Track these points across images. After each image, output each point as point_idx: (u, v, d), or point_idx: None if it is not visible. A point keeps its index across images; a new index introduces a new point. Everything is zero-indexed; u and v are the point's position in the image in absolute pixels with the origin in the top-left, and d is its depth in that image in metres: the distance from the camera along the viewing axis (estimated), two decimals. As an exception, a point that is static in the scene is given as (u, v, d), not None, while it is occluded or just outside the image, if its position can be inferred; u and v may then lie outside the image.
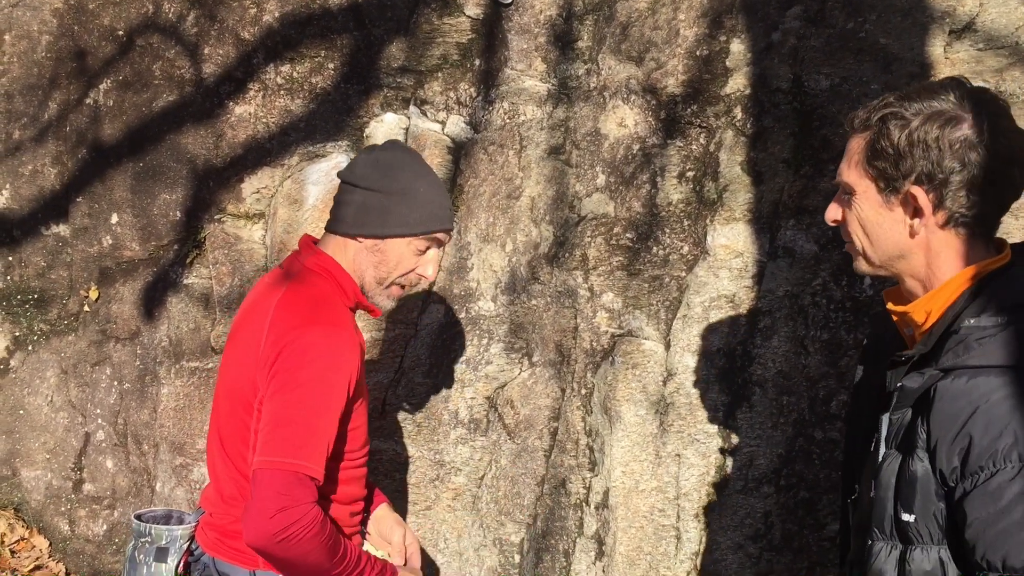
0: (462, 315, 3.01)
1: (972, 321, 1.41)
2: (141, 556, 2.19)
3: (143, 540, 2.20)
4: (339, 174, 2.14)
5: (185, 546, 2.20)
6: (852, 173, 1.53)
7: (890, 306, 1.59)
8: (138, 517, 2.24)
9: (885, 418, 1.49)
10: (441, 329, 3.02)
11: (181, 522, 2.26)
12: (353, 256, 2.09)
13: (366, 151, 2.16)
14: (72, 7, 3.57)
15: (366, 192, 2.06)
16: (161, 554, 2.18)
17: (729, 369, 2.59)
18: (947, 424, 1.37)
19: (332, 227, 2.12)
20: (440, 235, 2.11)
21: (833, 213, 1.60)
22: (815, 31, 2.51)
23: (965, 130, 1.42)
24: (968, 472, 1.35)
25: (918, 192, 1.46)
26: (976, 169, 1.42)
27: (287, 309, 2.01)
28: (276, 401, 1.94)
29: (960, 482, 1.36)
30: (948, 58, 2.38)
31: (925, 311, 1.51)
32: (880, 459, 1.49)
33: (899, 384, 1.45)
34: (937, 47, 2.38)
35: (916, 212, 1.48)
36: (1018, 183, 1.47)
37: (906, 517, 1.42)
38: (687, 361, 2.65)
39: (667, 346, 2.68)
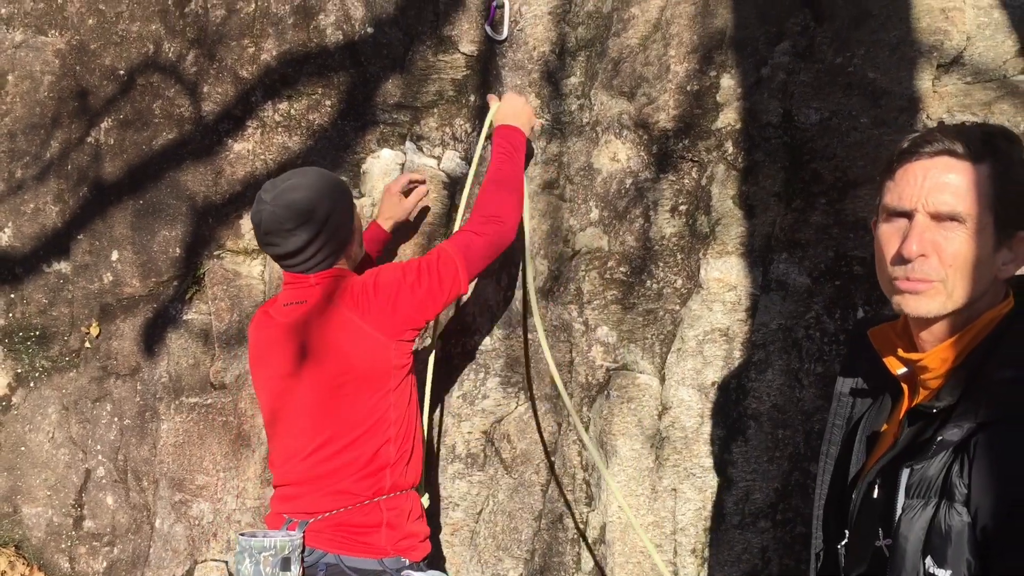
0: (458, 349, 3.01)
1: (1008, 372, 1.36)
2: (267, 569, 2.34)
3: (266, 553, 2.35)
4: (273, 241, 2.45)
5: (299, 553, 2.38)
6: (970, 204, 1.40)
7: (900, 353, 1.54)
8: (242, 535, 2.41)
9: (906, 470, 1.44)
10: (437, 363, 3.02)
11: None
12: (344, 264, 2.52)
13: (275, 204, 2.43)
14: (74, 47, 3.62)
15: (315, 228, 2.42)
16: (285, 564, 2.35)
17: (724, 403, 2.59)
18: (993, 479, 1.30)
19: (309, 269, 2.49)
20: None
21: (922, 247, 1.43)
22: (804, 66, 2.52)
23: None
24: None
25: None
26: None
27: (353, 287, 2.41)
28: (421, 264, 2.44)
29: (1013, 537, 1.29)
30: (936, 92, 2.39)
31: (941, 359, 1.46)
32: (900, 509, 1.44)
33: (939, 438, 1.37)
34: (926, 81, 2.39)
35: (1014, 259, 1.44)
36: None
37: (939, 572, 1.36)
38: (682, 395, 2.64)
39: (662, 380, 2.68)
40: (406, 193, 2.96)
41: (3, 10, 3.75)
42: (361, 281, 2.44)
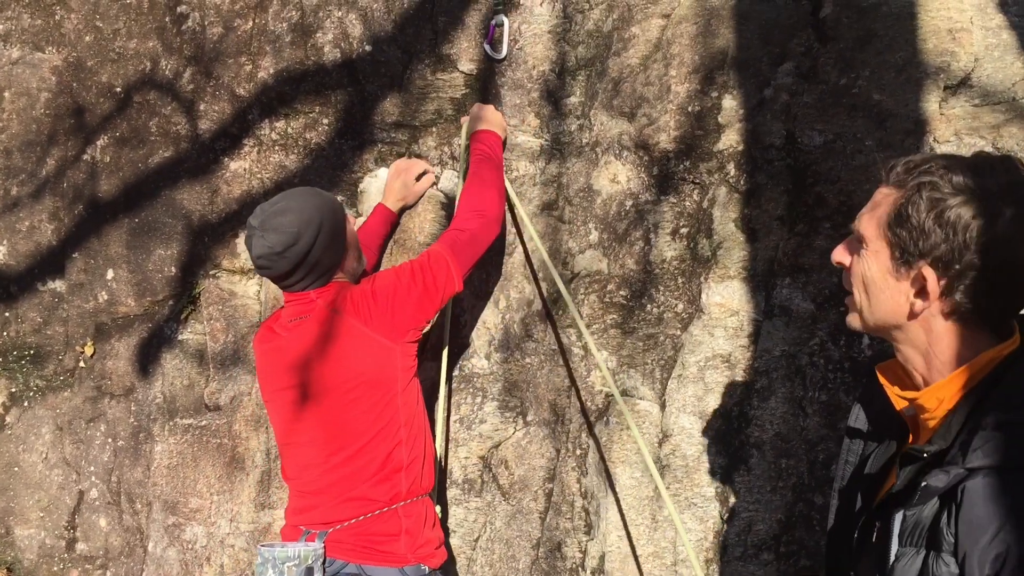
0: (455, 372, 2.96)
1: (1001, 417, 1.30)
2: None
3: (290, 564, 2.38)
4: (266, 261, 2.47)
5: (322, 563, 2.43)
6: (871, 227, 1.44)
7: (896, 391, 1.49)
8: (263, 546, 2.45)
9: (899, 514, 1.39)
10: (435, 386, 2.97)
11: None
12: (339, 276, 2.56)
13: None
14: (71, 64, 3.59)
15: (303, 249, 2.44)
16: (309, 573, 2.40)
17: (726, 431, 2.53)
18: (980, 529, 1.26)
19: (306, 287, 2.51)
20: None
21: (840, 255, 1.51)
22: (808, 87, 2.47)
23: (1000, 226, 1.31)
24: None
25: (929, 275, 1.37)
26: (998, 268, 1.33)
27: (354, 296, 2.46)
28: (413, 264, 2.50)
29: None
30: (944, 114, 2.33)
31: (937, 399, 1.41)
32: (893, 556, 1.39)
33: (923, 484, 1.33)
34: (932, 103, 2.34)
35: (921, 293, 1.39)
36: None
37: None
38: (683, 422, 2.58)
39: (662, 407, 2.62)
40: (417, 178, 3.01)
41: (0, 26, 3.73)
42: (360, 289, 2.50)
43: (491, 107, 2.85)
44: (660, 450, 2.61)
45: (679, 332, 2.61)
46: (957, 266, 1.34)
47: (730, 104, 2.56)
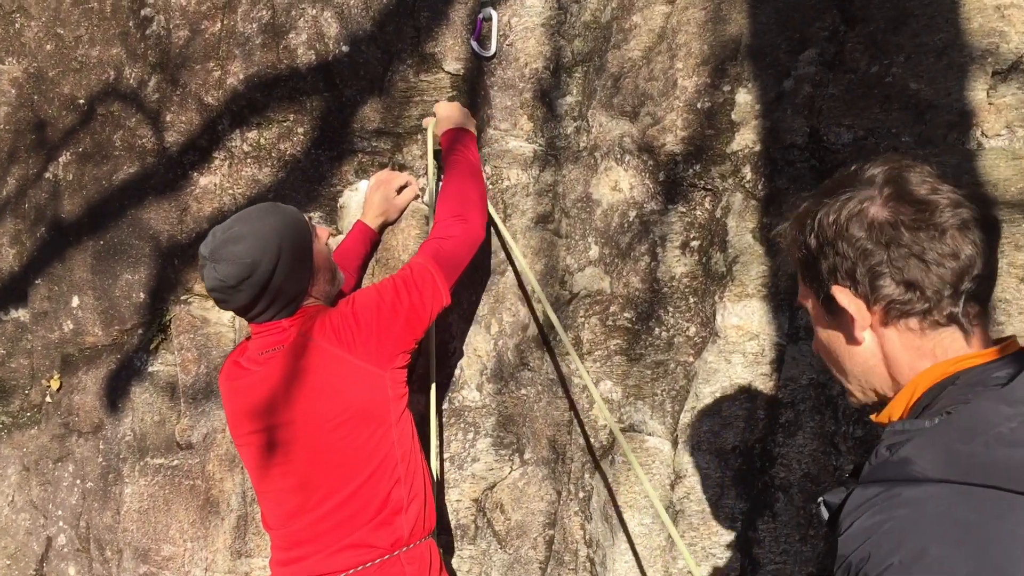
0: (445, 406, 2.66)
1: (900, 424, 1.17)
2: None
3: None
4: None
5: None
6: (801, 292, 1.36)
7: (872, 418, 1.33)
8: None
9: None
10: (423, 421, 2.67)
11: None
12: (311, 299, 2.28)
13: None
14: (32, 75, 3.33)
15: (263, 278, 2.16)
16: None
17: (747, 471, 2.21)
18: (847, 544, 1.12)
19: (272, 317, 2.23)
20: None
21: (815, 342, 1.40)
22: (833, 77, 2.16)
23: (874, 209, 1.20)
24: None
25: (839, 292, 1.23)
26: (895, 247, 1.19)
27: (332, 320, 2.19)
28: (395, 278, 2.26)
29: None
30: (992, 104, 2.01)
31: (888, 415, 1.26)
32: None
33: (819, 499, 1.25)
34: (979, 91, 2.02)
35: (851, 315, 1.25)
36: (952, 250, 1.19)
37: None
38: (698, 461, 2.27)
39: (674, 443, 2.31)
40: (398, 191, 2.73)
41: (-41, 37, 3.48)
42: (339, 313, 2.22)
43: (457, 104, 2.59)
44: (673, 493, 2.30)
45: (692, 359, 2.29)
46: (859, 267, 1.22)
47: (745, 99, 2.25)
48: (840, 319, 1.28)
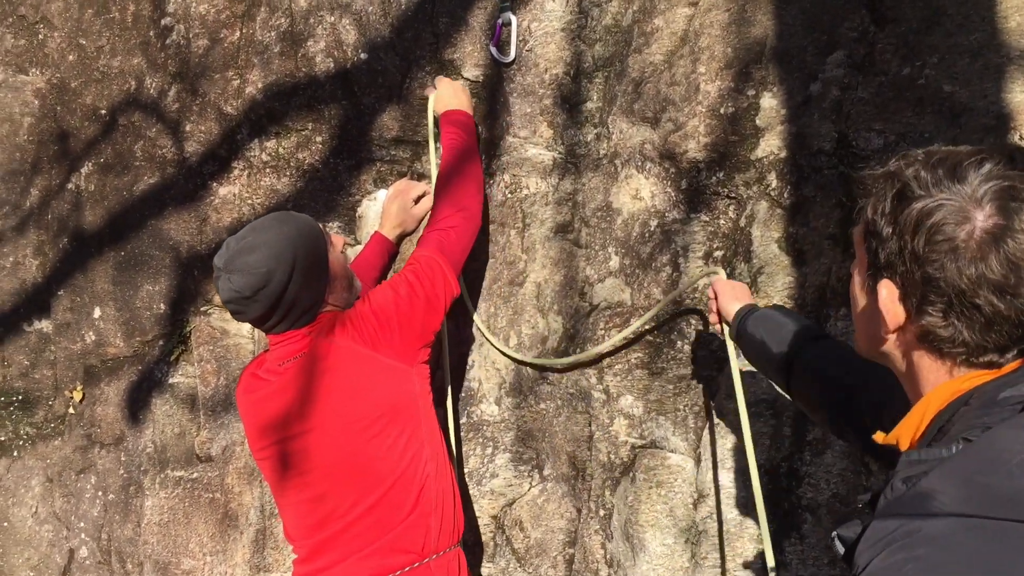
0: (463, 420, 2.60)
1: (915, 454, 1.06)
2: None
3: None
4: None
5: None
6: (857, 234, 1.21)
7: (878, 439, 1.22)
8: None
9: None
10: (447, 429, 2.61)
11: None
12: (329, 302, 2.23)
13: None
14: (55, 86, 3.33)
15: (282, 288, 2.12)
16: None
17: (773, 490, 2.12)
18: None
19: (290, 327, 2.19)
20: None
21: (851, 285, 1.28)
22: (863, 80, 2.07)
23: (962, 234, 1.05)
24: None
25: (885, 288, 1.13)
26: (964, 297, 1.06)
27: (353, 321, 2.17)
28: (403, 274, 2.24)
29: None
30: (1031, 106, 1.91)
31: (896, 437, 1.17)
32: None
33: (833, 534, 1.14)
34: (1017, 93, 1.92)
35: (875, 314, 1.16)
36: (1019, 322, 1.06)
37: None
38: (722, 480, 2.18)
39: (697, 461, 2.22)
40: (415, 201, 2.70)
41: (-16, 49, 3.50)
42: (356, 312, 2.19)
43: (458, 83, 2.59)
44: (696, 513, 2.21)
45: (715, 373, 2.21)
46: (914, 281, 1.09)
47: (770, 103, 2.16)
48: (871, 297, 1.19)
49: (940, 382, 1.13)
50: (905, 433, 1.15)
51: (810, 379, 1.69)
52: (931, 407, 1.12)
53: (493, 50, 2.61)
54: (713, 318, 2.03)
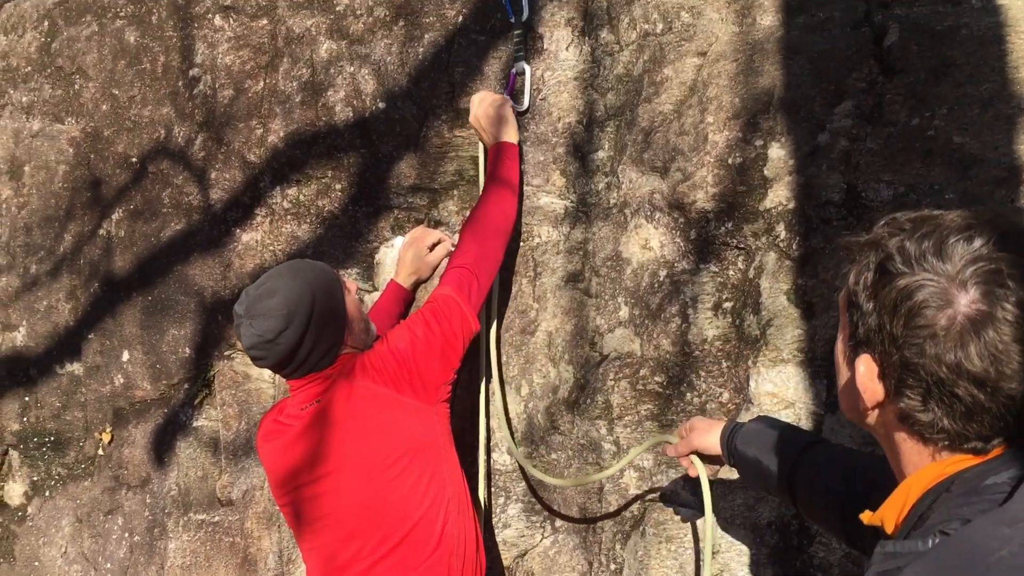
0: (474, 469, 2.58)
1: (891, 545, 1.03)
2: None
3: None
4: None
5: None
6: (841, 299, 1.18)
7: (864, 519, 1.16)
8: None
9: None
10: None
11: None
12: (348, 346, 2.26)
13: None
14: (89, 135, 3.42)
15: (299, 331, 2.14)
16: None
17: (783, 548, 2.07)
18: None
19: (311, 370, 2.21)
20: None
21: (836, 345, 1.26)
22: (871, 130, 2.04)
23: (943, 320, 1.01)
24: None
25: (864, 364, 1.09)
26: (940, 377, 1.02)
27: (373, 362, 2.19)
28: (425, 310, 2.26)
29: None
30: (1044, 157, 1.87)
31: (880, 519, 1.13)
32: None
33: None
34: (1029, 144, 1.88)
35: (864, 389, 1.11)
36: (1005, 412, 1.01)
37: None
38: (732, 536, 2.13)
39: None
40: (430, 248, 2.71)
41: (24, 98, 3.60)
42: (376, 354, 2.22)
43: (501, 99, 2.53)
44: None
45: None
46: (892, 362, 1.05)
47: (778, 154, 2.14)
48: (850, 368, 1.15)
49: (923, 464, 1.09)
50: (889, 515, 1.11)
51: (815, 500, 1.62)
52: (913, 491, 1.08)
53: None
54: (676, 452, 1.95)
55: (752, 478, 1.78)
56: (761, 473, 1.71)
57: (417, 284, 2.69)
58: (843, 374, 1.19)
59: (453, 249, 2.68)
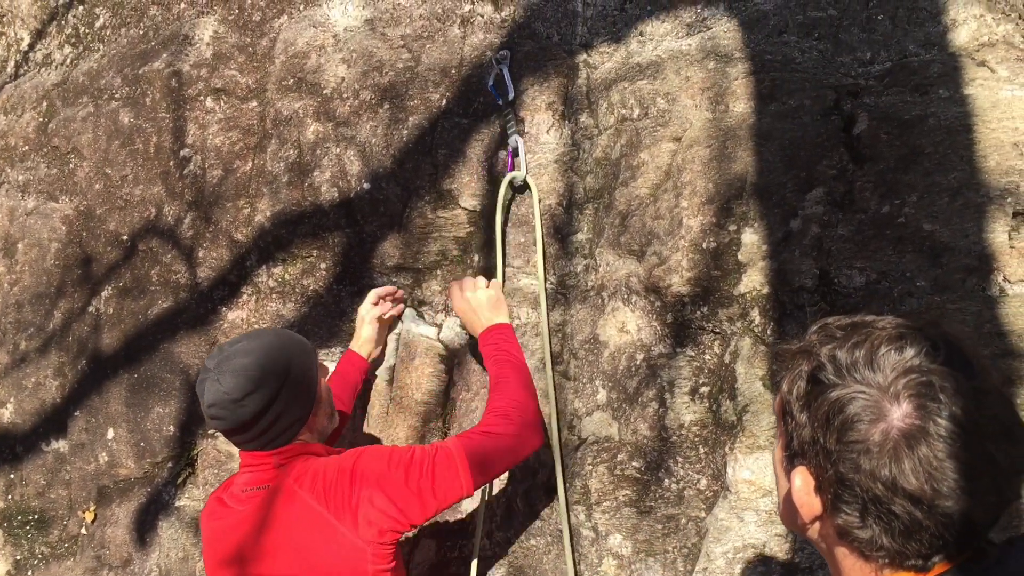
0: (454, 554, 2.54)
1: None
2: None
3: None
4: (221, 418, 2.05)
5: None
6: (776, 406, 1.16)
7: None
8: None
9: None
10: (432, 570, 2.56)
11: None
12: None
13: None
14: (82, 213, 3.46)
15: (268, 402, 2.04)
16: None
17: (763, 642, 2.02)
18: None
19: (264, 446, 2.09)
20: None
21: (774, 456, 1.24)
22: (843, 217, 2.04)
23: (876, 435, 0.98)
24: None
25: (800, 476, 1.06)
26: (876, 494, 0.99)
27: (326, 473, 2.03)
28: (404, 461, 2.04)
29: None
30: (1014, 247, 1.86)
31: None
32: None
33: None
34: (999, 233, 1.88)
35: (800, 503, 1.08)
36: (941, 534, 0.99)
37: None
38: (714, 629, 2.09)
39: (686, 607, 2.14)
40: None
41: (20, 177, 3.65)
42: (336, 465, 2.04)
43: (481, 283, 2.42)
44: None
45: (703, 514, 2.14)
46: (827, 477, 1.02)
47: (751, 239, 2.14)
48: (787, 480, 1.11)
49: (859, 571, 1.06)
50: None
51: None
52: None
53: (508, 175, 2.59)
54: None
55: None
56: None
57: (373, 351, 2.68)
58: (782, 485, 1.16)
59: (398, 311, 2.73)
